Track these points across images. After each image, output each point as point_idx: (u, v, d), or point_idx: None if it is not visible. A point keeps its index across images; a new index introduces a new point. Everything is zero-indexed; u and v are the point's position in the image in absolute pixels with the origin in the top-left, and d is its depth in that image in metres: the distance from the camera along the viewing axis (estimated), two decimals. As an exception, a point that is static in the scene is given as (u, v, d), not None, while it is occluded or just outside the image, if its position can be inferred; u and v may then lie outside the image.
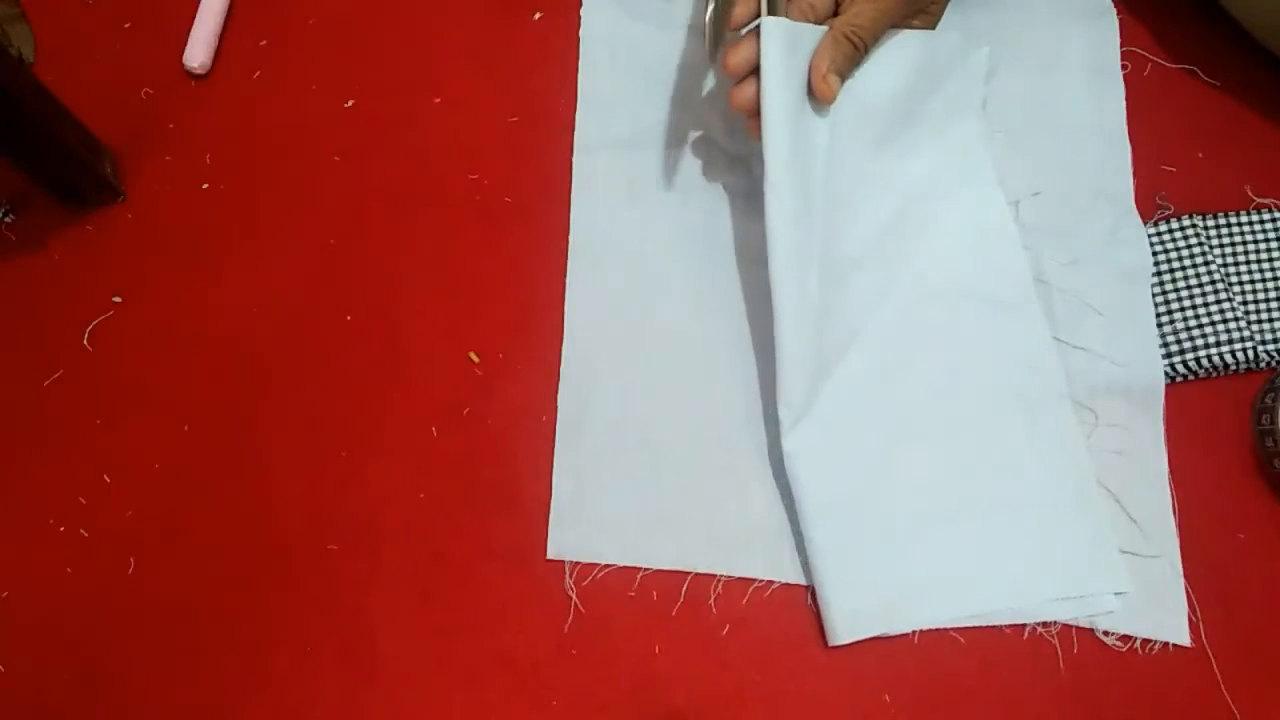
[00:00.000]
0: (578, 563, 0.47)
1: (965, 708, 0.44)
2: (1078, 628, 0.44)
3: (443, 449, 0.49)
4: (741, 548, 0.46)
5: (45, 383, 0.51)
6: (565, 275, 0.52)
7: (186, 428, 0.50)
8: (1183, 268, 0.49)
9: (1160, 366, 0.48)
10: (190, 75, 0.57)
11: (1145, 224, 0.50)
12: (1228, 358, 0.47)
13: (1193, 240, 0.50)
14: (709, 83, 0.55)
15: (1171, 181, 0.52)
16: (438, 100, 0.56)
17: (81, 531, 0.48)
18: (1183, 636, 0.44)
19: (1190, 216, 0.50)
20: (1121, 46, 0.55)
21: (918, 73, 0.49)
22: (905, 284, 0.50)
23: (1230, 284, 0.49)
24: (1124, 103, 0.53)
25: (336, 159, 0.55)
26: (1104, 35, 0.55)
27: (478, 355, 0.51)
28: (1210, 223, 0.50)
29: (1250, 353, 0.47)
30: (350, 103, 0.57)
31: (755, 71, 0.44)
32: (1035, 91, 0.54)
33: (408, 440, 0.49)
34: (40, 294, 0.53)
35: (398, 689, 0.45)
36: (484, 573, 0.47)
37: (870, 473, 0.46)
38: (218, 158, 0.56)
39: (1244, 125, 0.53)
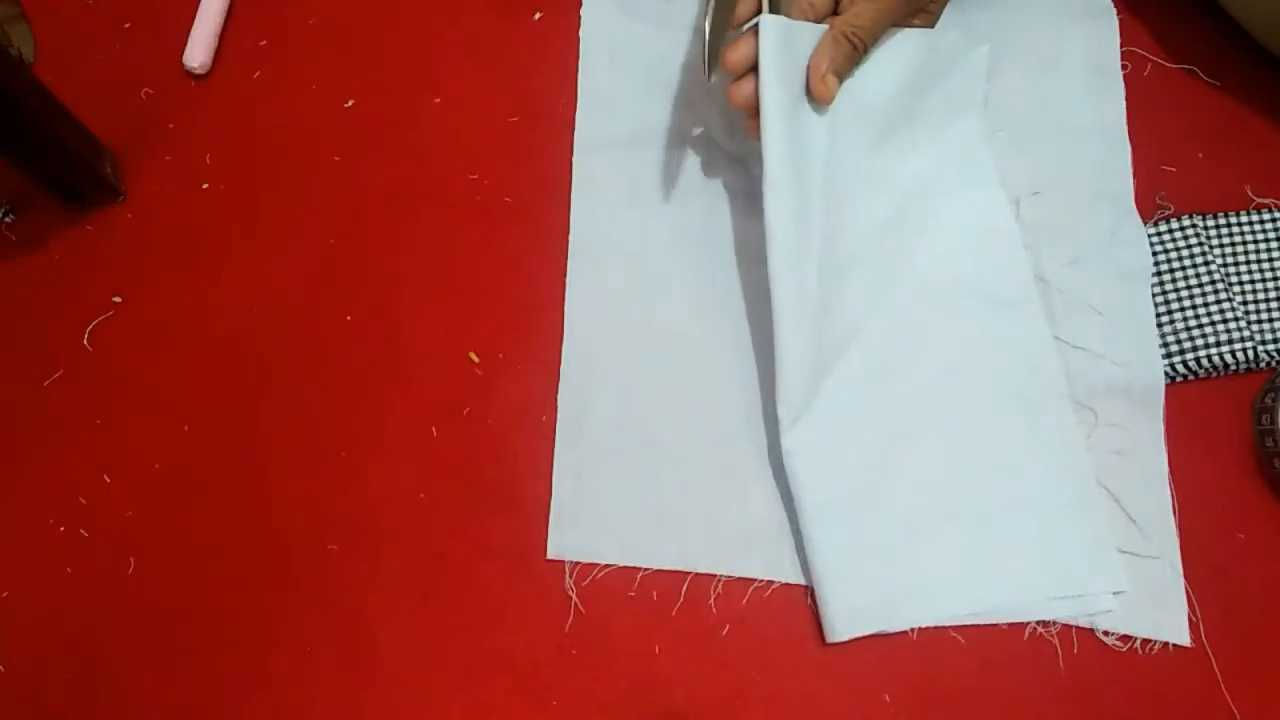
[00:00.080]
0: (578, 563, 0.47)
1: (965, 708, 0.44)
2: (1078, 627, 0.44)
3: (443, 449, 0.49)
4: (741, 548, 0.46)
5: (45, 383, 0.51)
6: (565, 275, 0.52)
7: (186, 428, 0.50)
8: (1183, 268, 0.49)
9: (1160, 366, 0.48)
10: (190, 75, 0.57)
11: (1145, 224, 0.50)
12: (1228, 358, 0.47)
13: (1193, 240, 0.50)
14: (709, 82, 0.55)
15: (1171, 181, 0.52)
16: (438, 100, 0.56)
17: (81, 531, 0.48)
18: (1183, 636, 0.44)
19: (1190, 216, 0.50)
20: (1121, 46, 0.55)
21: (917, 71, 0.49)
22: (905, 282, 0.50)
23: (1230, 284, 0.49)
24: (1124, 103, 0.53)
25: (336, 159, 0.55)
26: (1104, 35, 0.55)
27: (478, 355, 0.51)
28: (1210, 223, 0.50)
29: (1250, 353, 0.47)
30: (350, 103, 0.57)
31: (754, 69, 0.44)
32: (1035, 91, 0.54)
33: (408, 440, 0.49)
34: (40, 294, 0.53)
35: (398, 689, 0.45)
36: (484, 573, 0.47)
37: (870, 470, 0.46)
38: (218, 158, 0.56)
39: (1244, 125, 0.53)
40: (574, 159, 0.54)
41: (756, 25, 0.44)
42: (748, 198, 0.52)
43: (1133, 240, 0.50)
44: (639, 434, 0.48)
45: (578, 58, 0.56)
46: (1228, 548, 0.45)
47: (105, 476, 0.49)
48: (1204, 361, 0.47)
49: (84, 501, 0.49)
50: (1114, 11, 0.55)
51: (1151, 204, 0.51)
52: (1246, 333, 0.47)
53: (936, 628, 0.45)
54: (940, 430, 0.47)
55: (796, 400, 0.46)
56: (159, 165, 0.56)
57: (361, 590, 0.47)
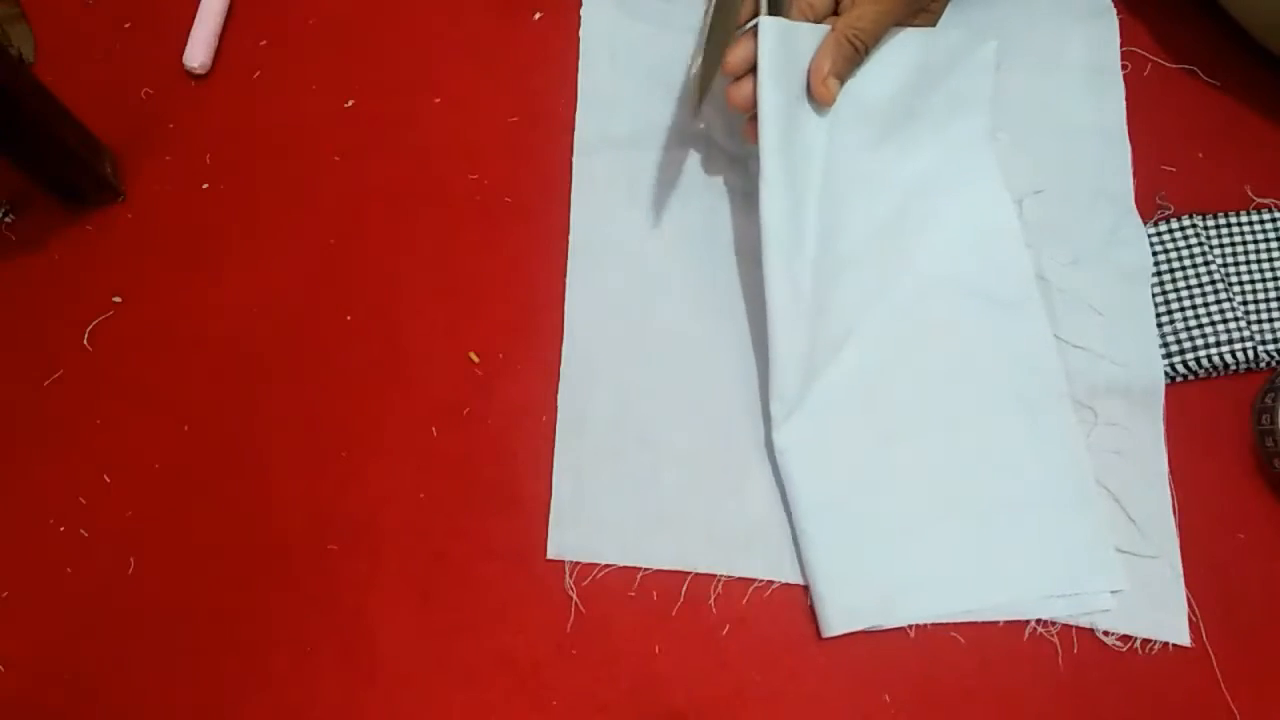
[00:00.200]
0: (578, 563, 0.47)
1: (965, 707, 0.44)
2: (1078, 627, 0.44)
3: (443, 449, 0.49)
4: (741, 548, 0.46)
5: (45, 383, 0.51)
6: (565, 275, 0.52)
7: (186, 428, 0.50)
8: (1183, 268, 0.49)
9: (1160, 366, 0.48)
10: (190, 75, 0.57)
11: (1145, 224, 0.50)
12: (1228, 358, 0.47)
13: (1193, 240, 0.50)
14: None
15: (1171, 181, 0.52)
16: (438, 100, 0.56)
17: (81, 531, 0.48)
18: (1183, 636, 0.44)
19: (1190, 216, 0.50)
20: (1121, 46, 0.55)
21: (919, 70, 0.49)
22: (906, 280, 0.50)
23: (1230, 284, 0.49)
24: (1124, 103, 0.53)
25: (336, 159, 0.55)
26: (1104, 35, 0.55)
27: (478, 355, 0.51)
28: (1210, 223, 0.50)
29: (1250, 353, 0.47)
30: (350, 103, 0.57)
31: (754, 70, 0.44)
32: (1035, 91, 0.54)
33: (408, 440, 0.49)
34: (40, 294, 0.53)
35: (398, 689, 0.45)
36: (484, 573, 0.47)
37: (866, 466, 0.46)
38: (218, 158, 0.56)
39: (1244, 125, 0.53)
40: (574, 159, 0.54)
41: (756, 26, 0.44)
42: (747, 198, 0.52)
43: (1133, 240, 0.50)
44: (639, 434, 0.48)
45: (578, 58, 0.56)
46: (1228, 548, 0.45)
47: (105, 476, 0.49)
48: (1204, 361, 0.47)
49: (84, 501, 0.49)
50: (1114, 11, 0.55)
51: (1151, 204, 0.51)
52: (1246, 333, 0.47)
53: (936, 628, 0.45)
54: (939, 428, 0.47)
55: (789, 397, 0.46)
56: (159, 165, 0.56)
57: (361, 590, 0.47)
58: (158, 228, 0.54)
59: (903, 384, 0.48)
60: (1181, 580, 0.45)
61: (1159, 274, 0.49)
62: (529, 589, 0.46)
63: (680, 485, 0.47)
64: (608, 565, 0.46)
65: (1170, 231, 0.50)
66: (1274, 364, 0.48)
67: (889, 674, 0.44)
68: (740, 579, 0.46)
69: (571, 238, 0.52)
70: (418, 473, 0.49)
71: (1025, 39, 0.54)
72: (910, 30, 0.48)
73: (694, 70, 0.44)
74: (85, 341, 0.52)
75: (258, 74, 0.58)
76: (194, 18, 0.58)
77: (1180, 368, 0.48)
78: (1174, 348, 0.48)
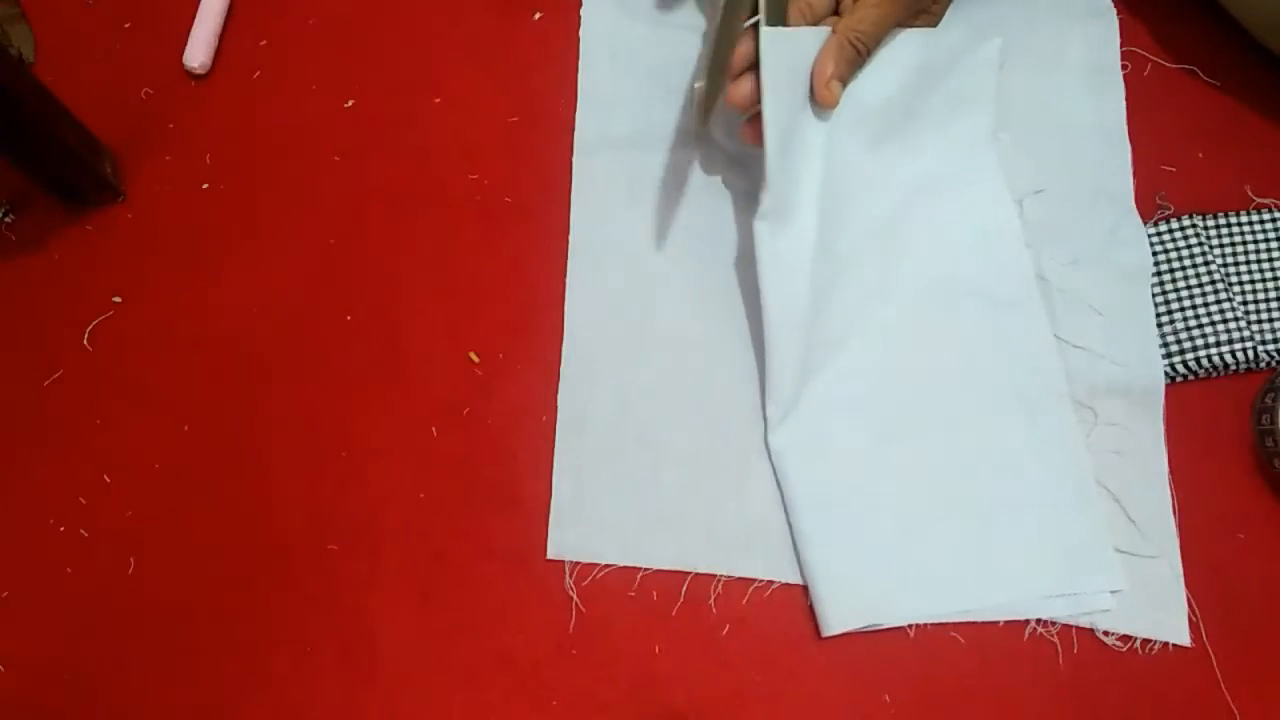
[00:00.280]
0: (578, 563, 0.47)
1: (965, 708, 0.44)
2: (1078, 627, 0.44)
3: (443, 449, 0.49)
4: (741, 548, 0.46)
5: (45, 383, 0.51)
6: (565, 275, 0.52)
7: (186, 428, 0.50)
8: (1183, 268, 0.49)
9: (1160, 366, 0.48)
10: (190, 75, 0.57)
11: (1145, 224, 0.50)
12: (1228, 358, 0.47)
13: (1193, 240, 0.50)
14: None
15: (1171, 181, 0.52)
16: (438, 100, 0.56)
17: (81, 531, 0.48)
18: (1183, 636, 0.44)
19: (1190, 216, 0.50)
20: (1121, 46, 0.55)
21: (920, 71, 0.49)
22: (905, 280, 0.50)
23: (1230, 284, 0.49)
24: (1124, 103, 0.53)
25: (336, 159, 0.55)
26: (1104, 35, 0.55)
27: (478, 355, 0.51)
28: (1210, 223, 0.50)
29: (1250, 353, 0.47)
30: (350, 103, 0.57)
31: (753, 69, 0.44)
32: (1035, 91, 0.54)
33: (408, 440, 0.49)
34: (40, 294, 0.53)
35: (398, 689, 0.45)
36: (484, 573, 0.47)
37: (864, 466, 0.46)
38: (218, 158, 0.56)
39: (1244, 125, 0.53)
40: (574, 159, 0.54)
41: (755, 25, 0.44)
42: (748, 198, 0.52)
43: (1133, 240, 0.50)
44: (639, 434, 0.48)
45: (578, 58, 0.56)
46: (1228, 548, 0.45)
47: (105, 476, 0.49)
48: (1204, 361, 0.47)
49: (84, 501, 0.49)
50: (1114, 11, 0.55)
51: (1151, 204, 0.51)
52: (1246, 333, 0.47)
53: (936, 628, 0.45)
54: (939, 427, 0.47)
55: (785, 399, 0.46)
56: (159, 165, 0.56)
57: (361, 590, 0.47)
58: (158, 228, 0.54)
59: (902, 383, 0.48)
60: (1181, 580, 0.45)
61: (1159, 274, 0.49)
62: (529, 589, 0.46)
63: (680, 485, 0.47)
64: (608, 565, 0.46)
65: (1170, 231, 0.50)
66: (1274, 364, 0.48)
67: (889, 674, 0.44)
68: (740, 579, 0.46)
69: (571, 238, 0.52)
70: (418, 473, 0.49)
71: (1025, 39, 0.54)
72: (911, 31, 0.48)
73: (697, 87, 0.44)
74: (85, 341, 0.52)
75: (258, 74, 0.58)
76: (194, 18, 0.58)
77: (1180, 368, 0.48)
78: (1174, 348, 0.48)
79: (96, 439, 0.50)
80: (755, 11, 0.44)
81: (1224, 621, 0.44)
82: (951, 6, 0.50)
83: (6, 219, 0.55)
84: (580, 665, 0.45)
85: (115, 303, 0.53)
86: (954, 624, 0.45)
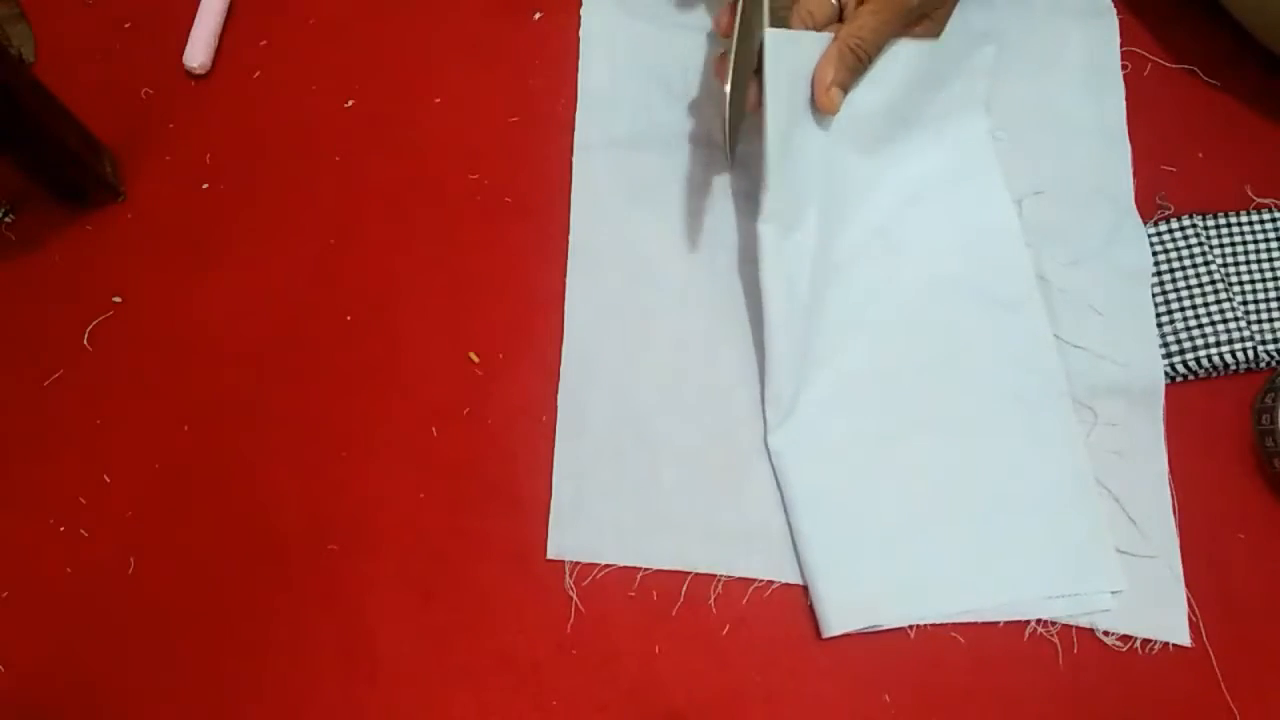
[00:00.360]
0: (578, 563, 0.47)
1: (965, 708, 0.44)
2: (1078, 628, 0.44)
3: (443, 449, 0.49)
4: (741, 548, 0.46)
5: (45, 383, 0.51)
6: (565, 275, 0.52)
7: (186, 428, 0.50)
8: (1183, 268, 0.49)
9: (1160, 366, 0.48)
10: (190, 75, 0.57)
11: (1145, 224, 0.50)
12: (1228, 358, 0.47)
13: (1193, 240, 0.50)
14: (709, 82, 0.55)
15: (1171, 181, 0.52)
16: (438, 100, 0.56)
17: (81, 531, 0.48)
18: (1183, 636, 0.44)
19: (1190, 216, 0.50)
20: (1121, 46, 0.55)
21: (920, 78, 0.49)
22: (905, 280, 0.50)
23: (1230, 284, 0.49)
24: (1124, 103, 0.53)
25: (336, 159, 0.55)
26: (1104, 35, 0.55)
27: (478, 355, 0.51)
28: (1210, 223, 0.50)
29: (1250, 353, 0.47)
30: (350, 103, 0.57)
31: (755, 71, 0.44)
32: (1035, 91, 0.54)
33: (408, 440, 0.49)
34: (40, 294, 0.53)
35: (398, 689, 0.45)
36: (484, 573, 0.47)
37: (864, 467, 0.47)
38: (218, 158, 0.56)
39: (1244, 125, 0.53)
40: (574, 159, 0.54)
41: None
42: (748, 198, 0.52)
43: (1133, 240, 0.50)
44: (639, 434, 0.48)
45: (578, 58, 0.56)
46: (1228, 548, 0.45)
47: (105, 476, 0.49)
48: (1204, 361, 0.47)
49: (84, 501, 0.49)
50: (1114, 11, 0.56)
51: (1151, 204, 0.51)
52: (1246, 333, 0.47)
53: (936, 628, 0.45)
54: (938, 428, 0.47)
55: (784, 401, 0.46)
56: (159, 165, 0.56)
57: (361, 590, 0.47)
58: (158, 228, 0.54)
59: (903, 384, 0.48)
60: (1181, 580, 0.45)
61: (1159, 274, 0.49)
62: (529, 589, 0.46)
63: (680, 485, 0.47)
64: (608, 565, 0.46)
65: (1170, 231, 0.50)
66: (1274, 364, 0.48)
67: (889, 674, 0.44)
68: (740, 579, 0.46)
69: (571, 238, 0.52)
70: (418, 473, 0.49)
71: (1025, 39, 0.54)
72: (911, 42, 0.48)
73: (726, 115, 0.44)
74: (85, 341, 0.52)
75: (258, 74, 0.58)
76: (194, 18, 0.58)
77: (1180, 368, 0.48)
78: (1174, 348, 0.48)
79: (96, 439, 0.50)
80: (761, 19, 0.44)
81: (1224, 621, 0.44)
82: (955, 6, 0.50)
83: (6, 219, 0.55)
84: (580, 665, 0.45)
85: (115, 303, 0.53)
86: (954, 624, 0.45)
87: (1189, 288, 0.49)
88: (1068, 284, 0.49)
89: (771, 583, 0.46)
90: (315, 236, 0.54)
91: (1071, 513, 0.46)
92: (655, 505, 0.47)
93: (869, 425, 0.47)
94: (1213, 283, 0.49)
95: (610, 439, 0.48)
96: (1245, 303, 0.48)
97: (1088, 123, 0.53)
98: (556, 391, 0.49)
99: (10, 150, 0.49)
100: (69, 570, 0.48)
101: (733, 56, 0.43)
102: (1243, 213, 0.50)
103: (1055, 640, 0.44)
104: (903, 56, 0.48)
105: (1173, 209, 0.51)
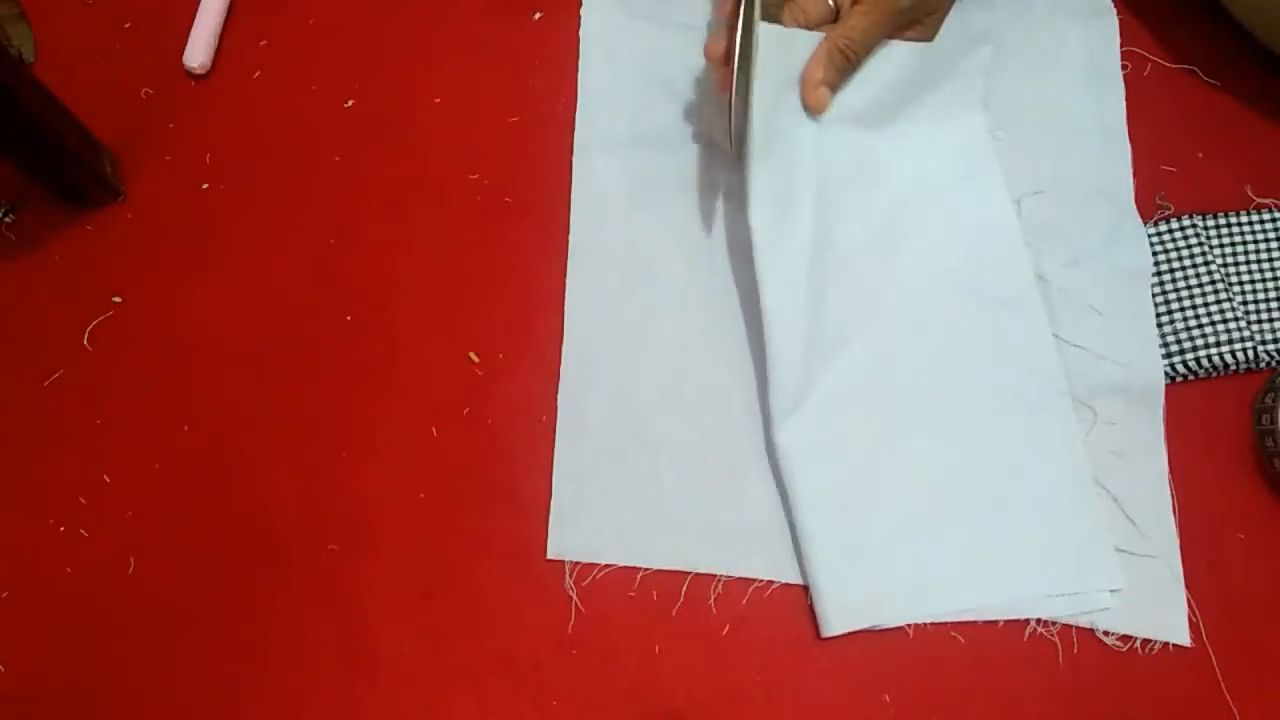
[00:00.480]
0: (578, 563, 0.47)
1: (965, 708, 0.44)
2: (1078, 627, 0.44)
3: (443, 449, 0.49)
4: (741, 548, 0.46)
5: (45, 383, 0.51)
6: (565, 275, 0.52)
7: (186, 428, 0.50)
8: (1183, 268, 0.49)
9: (1160, 366, 0.48)
10: (190, 75, 0.57)
11: (1145, 224, 0.50)
12: (1228, 358, 0.47)
13: (1193, 240, 0.50)
14: (709, 82, 0.55)
15: (1171, 181, 0.52)
16: (438, 100, 0.56)
17: (81, 531, 0.48)
18: (1183, 636, 0.44)
19: (1190, 216, 0.50)
20: (1121, 46, 0.55)
21: (913, 78, 0.49)
22: (905, 279, 0.50)
23: (1230, 284, 0.49)
24: (1124, 103, 0.53)
25: (336, 159, 0.55)
26: (1104, 35, 0.55)
27: (478, 355, 0.51)
28: (1210, 223, 0.50)
29: (1250, 353, 0.47)
30: (350, 103, 0.57)
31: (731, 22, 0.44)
32: (1035, 91, 0.54)
33: (408, 440, 0.49)
34: (40, 294, 0.53)
35: (398, 689, 0.45)
36: (484, 573, 0.47)
37: (865, 465, 0.47)
38: (218, 158, 0.56)
39: (1244, 125, 0.53)
40: (574, 159, 0.54)
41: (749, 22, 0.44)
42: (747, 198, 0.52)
43: (1133, 240, 0.50)
44: (638, 434, 0.48)
45: (578, 58, 0.56)
46: (1228, 548, 0.45)
47: (105, 476, 0.49)
48: (1204, 361, 0.47)
49: (84, 501, 0.49)
50: (1114, 11, 0.56)
51: (1151, 204, 0.51)
52: (1246, 333, 0.47)
53: (936, 628, 0.45)
54: (938, 427, 0.47)
55: (791, 393, 0.46)
56: (159, 165, 0.56)
57: (361, 590, 0.47)
58: (158, 228, 0.54)
59: (902, 383, 0.48)
60: (1181, 580, 0.45)
61: (1159, 274, 0.49)
62: (529, 589, 0.46)
63: (680, 485, 0.47)
64: (608, 565, 0.46)
65: (1170, 231, 0.50)
66: (1274, 364, 0.48)
67: (889, 674, 0.44)
68: (740, 579, 0.46)
69: (571, 238, 0.52)
70: (418, 473, 0.49)
71: (1025, 39, 0.55)
72: (904, 44, 0.48)
73: (732, 120, 0.45)
74: (85, 341, 0.52)
75: (258, 74, 0.58)
76: (194, 18, 0.58)
77: (1180, 368, 0.48)
78: (1174, 348, 0.48)
79: (96, 439, 0.50)
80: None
81: (1224, 621, 0.44)
82: (951, 10, 0.50)
83: (6, 219, 0.55)
84: (580, 665, 0.45)
85: (115, 303, 0.53)
86: (954, 624, 0.45)
87: (1189, 288, 0.49)
88: (1067, 283, 0.49)
89: (771, 583, 0.46)
90: (315, 236, 0.54)
91: (1071, 512, 0.46)
92: (655, 505, 0.47)
93: (871, 424, 0.47)
94: (1213, 283, 0.49)
95: (610, 439, 0.48)
96: (1245, 303, 0.48)
97: (1088, 123, 0.53)
98: (556, 391, 0.49)
99: (10, 150, 0.49)
100: (69, 570, 0.48)
101: (735, 57, 0.43)
102: (1243, 213, 0.50)
103: (1055, 640, 0.44)
104: (895, 58, 0.48)
105: (1173, 209, 0.51)
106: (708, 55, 0.47)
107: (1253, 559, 0.45)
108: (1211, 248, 0.49)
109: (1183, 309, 0.49)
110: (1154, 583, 0.45)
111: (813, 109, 0.46)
